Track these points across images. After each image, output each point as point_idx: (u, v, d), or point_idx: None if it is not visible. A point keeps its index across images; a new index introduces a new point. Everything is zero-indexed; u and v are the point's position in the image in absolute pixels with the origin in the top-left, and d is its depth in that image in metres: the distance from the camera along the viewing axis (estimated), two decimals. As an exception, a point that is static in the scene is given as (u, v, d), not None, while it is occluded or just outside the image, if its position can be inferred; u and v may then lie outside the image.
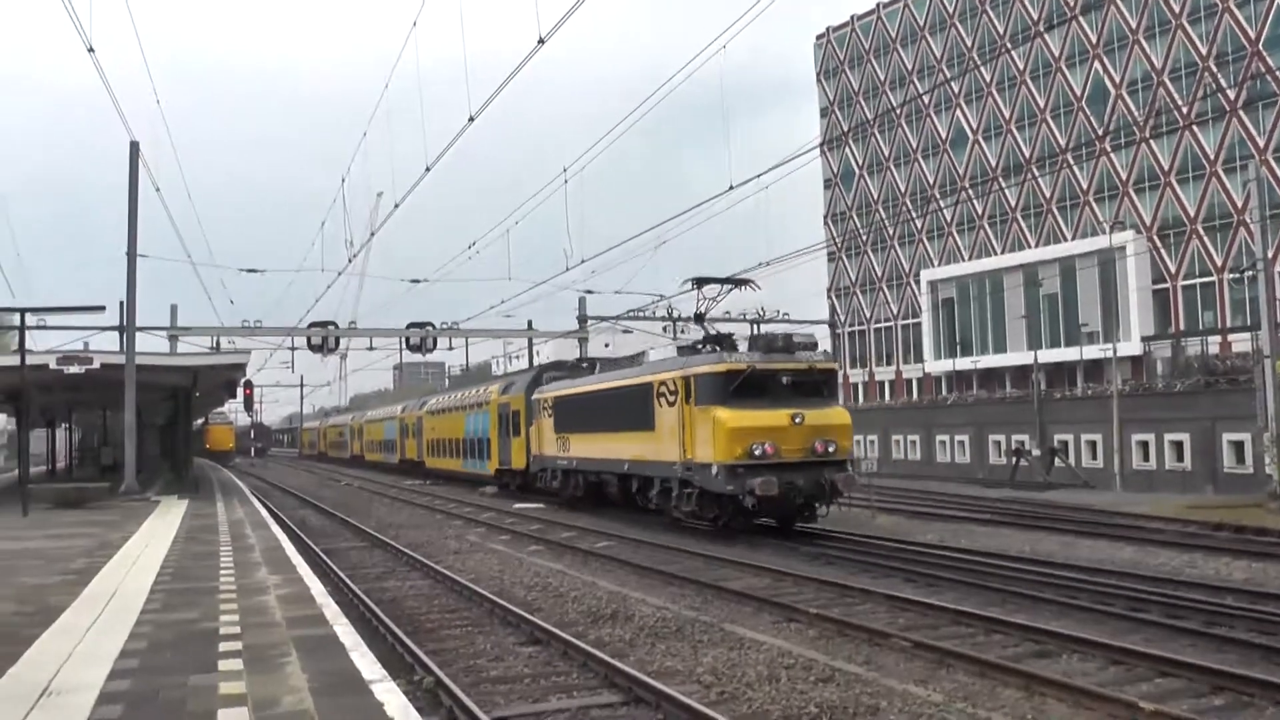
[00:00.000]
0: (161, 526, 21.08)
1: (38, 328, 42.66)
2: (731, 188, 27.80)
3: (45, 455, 65.80)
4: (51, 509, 26.24)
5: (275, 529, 20.98)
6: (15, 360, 28.51)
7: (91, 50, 22.75)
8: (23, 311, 27.82)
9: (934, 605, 15.28)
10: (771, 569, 19.46)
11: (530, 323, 57.29)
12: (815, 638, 13.80)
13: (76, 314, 37.14)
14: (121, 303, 35.51)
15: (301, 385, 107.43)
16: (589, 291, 51.81)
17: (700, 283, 27.00)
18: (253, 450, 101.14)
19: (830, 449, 24.28)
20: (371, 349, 53.69)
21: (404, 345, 53.14)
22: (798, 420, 23.91)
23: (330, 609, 10.86)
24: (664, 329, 53.33)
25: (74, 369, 29.38)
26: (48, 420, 59.15)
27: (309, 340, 51.40)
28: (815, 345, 25.89)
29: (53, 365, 29.33)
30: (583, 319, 54.42)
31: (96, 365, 29.65)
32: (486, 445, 45.20)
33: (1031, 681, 11.16)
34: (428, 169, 28.34)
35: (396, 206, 32.59)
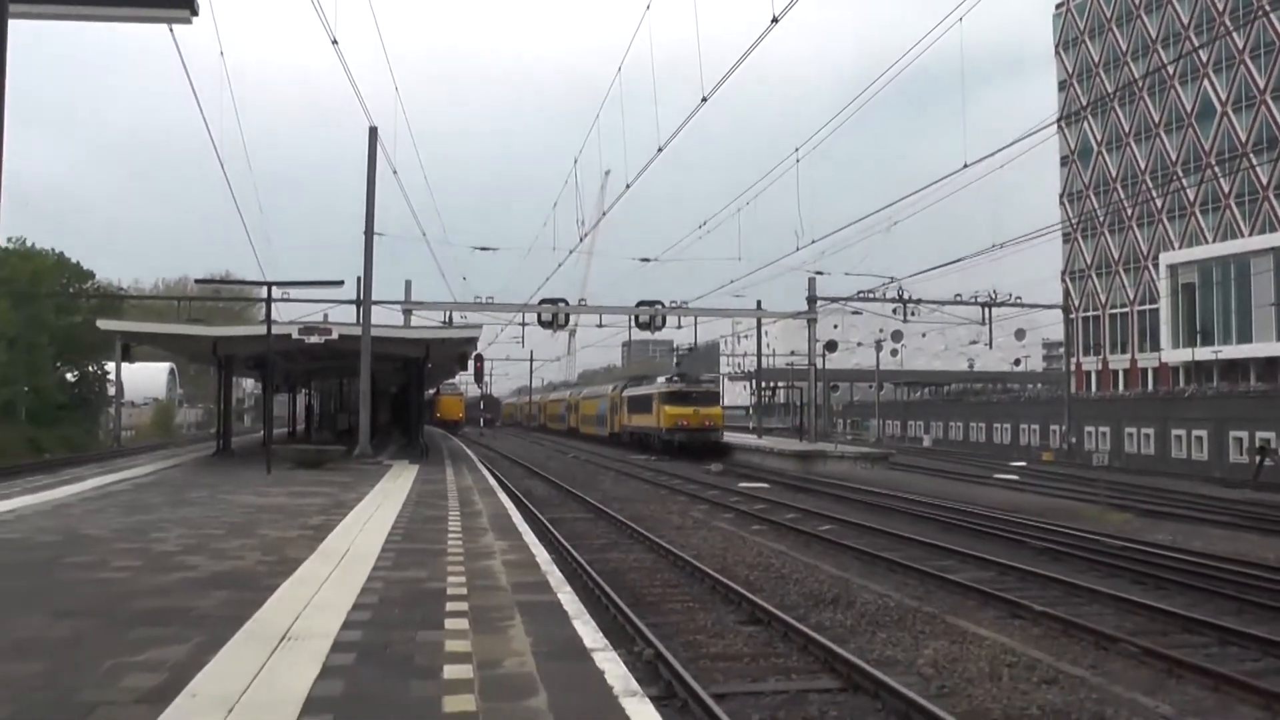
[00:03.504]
0: (393, 489, 21.74)
1: (282, 300, 44.99)
2: (966, 165, 26.90)
3: (287, 418, 69.37)
4: (292, 468, 27.35)
5: (502, 496, 21.40)
6: (261, 330, 29.78)
7: (335, 42, 23.69)
8: (269, 285, 29.08)
9: (1164, 610, 14.50)
10: (997, 561, 18.89)
11: (759, 303, 57.45)
12: (1039, 636, 13.30)
13: (318, 288, 39.03)
14: (359, 278, 36.95)
15: (531, 360, 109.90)
16: (819, 273, 51.19)
17: (676, 350, 47.68)
18: (481, 421, 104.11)
19: (709, 424, 54.90)
20: (601, 326, 55.19)
21: (633, 323, 54.09)
22: (696, 411, 54.12)
23: (554, 576, 10.95)
24: (894, 311, 52.27)
25: (314, 339, 30.59)
26: (290, 386, 62.26)
27: (539, 316, 52.89)
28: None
29: (295, 335, 30.54)
30: (812, 300, 53.90)
31: (335, 336, 30.80)
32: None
33: (1272, 701, 10.34)
34: (659, 150, 28.43)
35: (628, 187, 32.73)
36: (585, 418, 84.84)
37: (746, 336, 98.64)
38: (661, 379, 63.67)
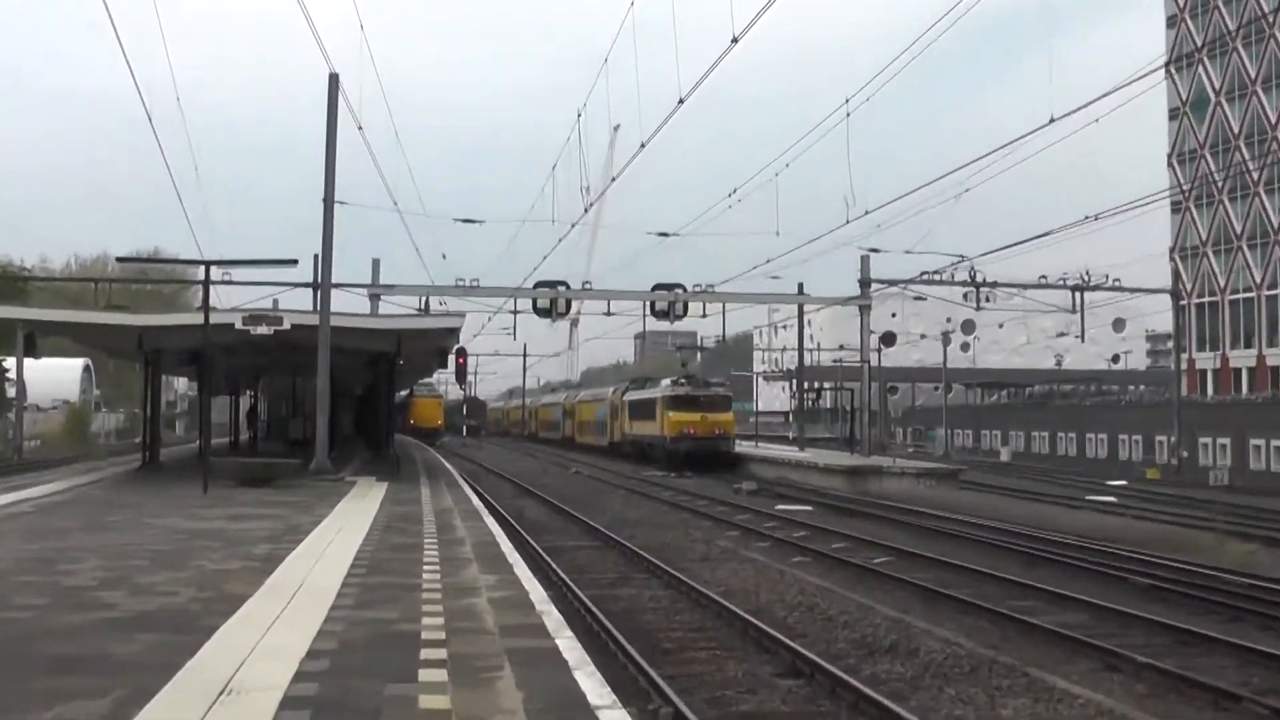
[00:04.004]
0: (356, 512, 21.79)
1: (223, 283, 44.67)
2: (1053, 120, 26.79)
3: (228, 426, 69.60)
4: (234, 486, 27.36)
5: (489, 520, 21.50)
6: (198, 319, 29.60)
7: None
8: (207, 264, 29.00)
9: (1300, 662, 14.39)
10: (1090, 601, 18.88)
11: (800, 286, 57.67)
12: (1144, 694, 13.28)
13: (266, 268, 38.83)
14: (316, 256, 36.89)
15: (525, 355, 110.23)
16: (873, 250, 51.17)
17: (681, 348, 64.94)
18: (464, 428, 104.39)
19: (719, 432, 59.78)
20: (609, 314, 54.87)
21: (647, 310, 54.24)
22: (703, 418, 59.07)
23: (552, 618, 10.94)
24: (964, 296, 52.09)
25: (261, 330, 30.25)
26: (232, 387, 62.31)
27: (534, 302, 52.96)
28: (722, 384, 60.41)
29: (238, 325, 30.29)
30: (865, 283, 53.95)
31: (286, 326, 30.55)
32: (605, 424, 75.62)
33: None
34: (681, 101, 28.37)
35: (643, 147, 32.67)
36: (583, 425, 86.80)
37: (786, 327, 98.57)
38: (666, 381, 66.92)
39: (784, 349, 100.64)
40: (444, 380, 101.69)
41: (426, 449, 68.67)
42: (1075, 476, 62.72)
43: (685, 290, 53.39)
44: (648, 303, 54.14)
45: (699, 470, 55.14)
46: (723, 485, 47.69)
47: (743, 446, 65.90)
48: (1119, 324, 78.55)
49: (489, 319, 63.01)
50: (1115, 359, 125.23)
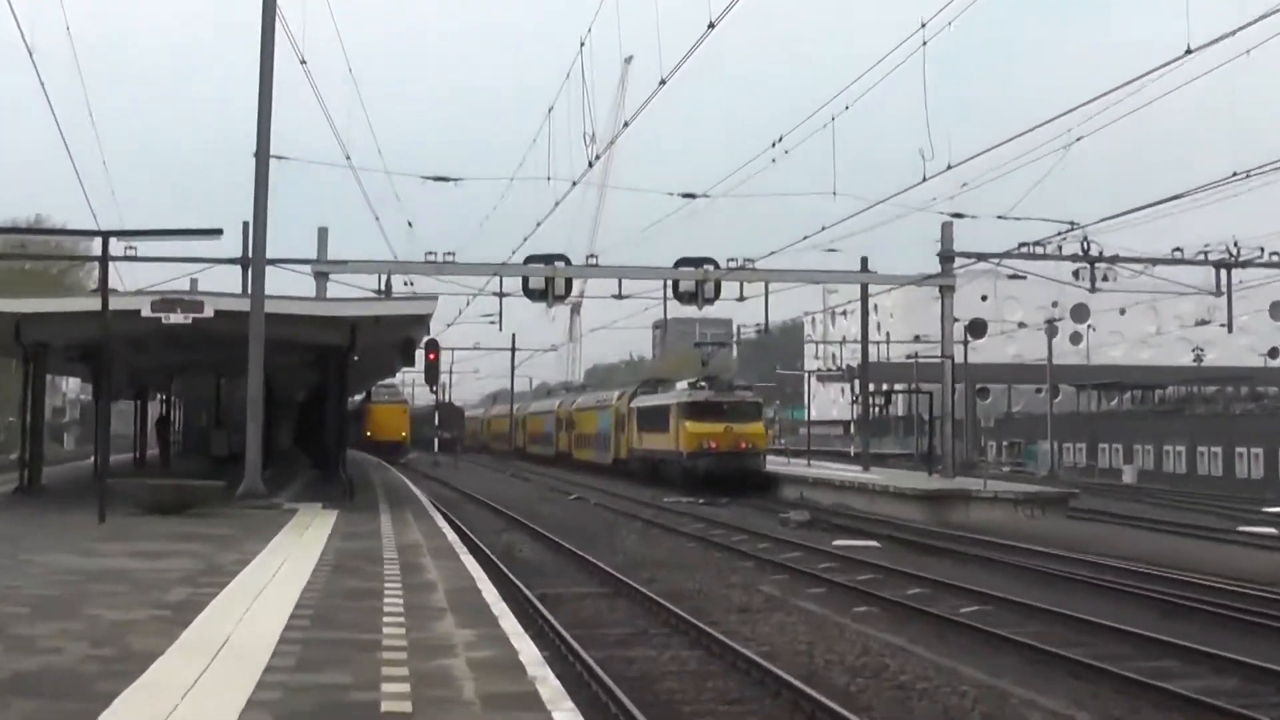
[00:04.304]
0: (298, 548, 21.74)
1: (128, 259, 45.50)
2: (1189, 52, 26.53)
3: (132, 439, 69.29)
4: (139, 515, 27.35)
5: (467, 560, 21.44)
6: (94, 304, 29.54)
7: None
8: (105, 235, 28.71)
9: None
10: (1244, 662, 18.74)
11: (865, 262, 57.66)
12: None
13: (182, 239, 38.79)
14: (247, 225, 36.84)
15: (513, 349, 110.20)
16: (957, 215, 50.51)
17: (700, 345, 68.76)
18: (436, 442, 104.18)
19: (746, 446, 61.93)
20: (620, 297, 55.13)
21: (669, 291, 54.38)
22: (727, 430, 61.52)
23: (548, 685, 10.86)
24: (1075, 274, 51.74)
25: (176, 319, 30.28)
26: (138, 391, 62.12)
27: (525, 282, 53.16)
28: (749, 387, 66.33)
29: (145, 312, 30.26)
30: (947, 256, 53.90)
31: (208, 314, 30.52)
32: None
33: None
34: (711, 25, 28.12)
35: (663, 83, 32.37)
36: (582, 438, 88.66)
37: (846, 313, 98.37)
38: (682, 384, 69.04)
39: (843, 341, 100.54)
40: (410, 382, 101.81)
41: (388, 468, 68.85)
42: (1222, 502, 62.21)
43: (717, 267, 53.56)
44: (669, 282, 54.22)
45: (721, 493, 55.83)
46: (766, 515, 47.85)
47: (791, 466, 66.16)
48: (1278, 309, 77.96)
49: (468, 303, 62.92)
50: (1273, 353, 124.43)
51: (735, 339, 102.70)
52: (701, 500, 55.23)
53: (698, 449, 60.78)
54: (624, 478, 70.72)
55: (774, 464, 69.05)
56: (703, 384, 65.32)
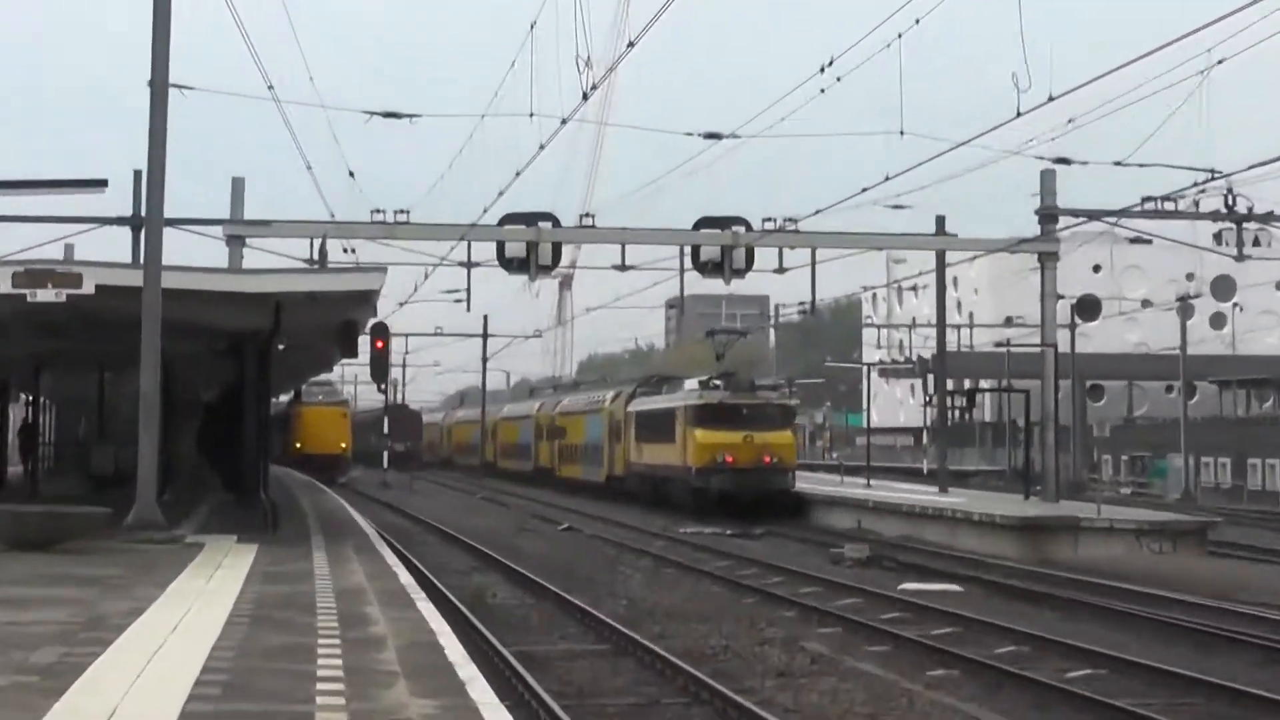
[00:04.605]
0: (206, 593, 21.60)
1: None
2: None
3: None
4: (1, 551, 27.36)
5: (426, 609, 21.37)
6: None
7: None
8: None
9: None
10: None
11: (941, 222, 57.55)
12: None
13: (54, 192, 38.62)
14: (139, 174, 36.65)
15: (485, 336, 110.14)
16: (1060, 161, 50.11)
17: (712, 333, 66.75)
18: (385, 456, 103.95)
19: (772, 460, 62.18)
20: (624, 268, 55.14)
21: (687, 260, 54.49)
22: (748, 439, 62.14)
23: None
24: (1217, 238, 51.37)
25: (45, 295, 30.45)
26: (-3, 386, 62.38)
27: (500, 249, 53.03)
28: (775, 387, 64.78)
29: (5, 288, 30.52)
30: (1048, 214, 53.98)
31: (87, 289, 30.67)
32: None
33: None
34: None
35: (675, -9, 32.14)
36: (567, 450, 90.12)
37: (917, 289, 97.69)
38: (691, 383, 70.04)
39: (913, 325, 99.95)
40: (353, 378, 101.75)
41: (323, 490, 68.54)
42: None
43: (749, 229, 53.34)
44: (687, 249, 54.15)
45: (750, 520, 56.38)
46: (813, 551, 47.91)
47: (845, 487, 66.61)
48: None
49: (426, 276, 64.07)
50: None
51: (772, 322, 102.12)
52: (729, 531, 55.39)
53: (709, 463, 61.42)
54: (621, 499, 71.91)
55: (822, 484, 69.97)
56: (716, 382, 65.68)
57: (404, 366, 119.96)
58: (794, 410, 70.10)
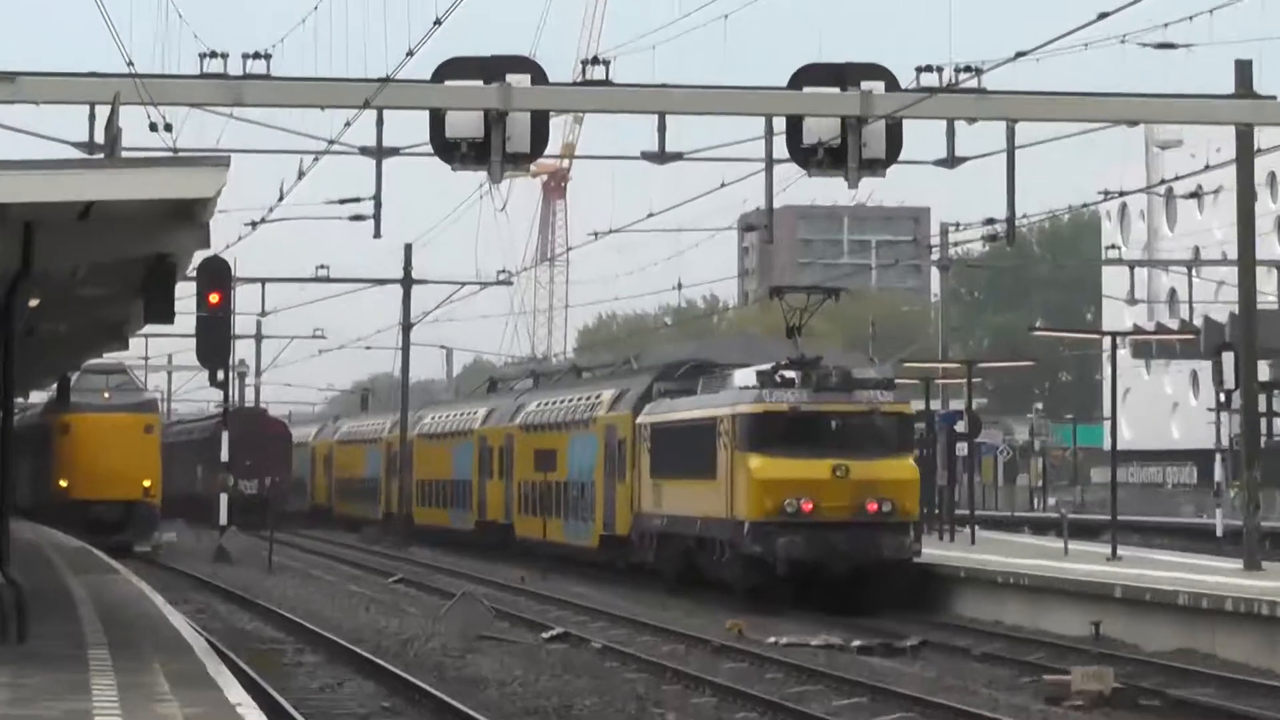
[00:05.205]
0: None
1: None
2: None
3: None
4: None
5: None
6: None
7: None
8: None
9: None
10: None
11: (1244, 70, 47.58)
12: None
13: None
14: None
15: (407, 283, 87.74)
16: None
17: (778, 292, 56.25)
18: (224, 501, 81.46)
19: (877, 509, 50.03)
20: (660, 157, 41.69)
21: (778, 147, 40.80)
22: (840, 473, 49.78)
23: None
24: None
25: None
26: None
27: (436, 125, 39.03)
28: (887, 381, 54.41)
29: None
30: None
31: None
32: None
33: None
34: None
35: None
36: (532, 495, 74.60)
37: (1200, 196, 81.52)
38: (746, 373, 54.15)
39: (1195, 261, 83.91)
40: (165, 360, 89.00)
41: (111, 566, 53.97)
42: None
43: (893, 86, 38.48)
44: (779, 124, 39.68)
45: (853, 608, 46.90)
46: (1005, 676, 36.86)
47: (1070, 560, 52.64)
48: None
49: (300, 175, 47.98)
50: None
51: (938, 257, 77.89)
52: (857, 643, 41.70)
53: (775, 514, 47.69)
54: (627, 577, 60.11)
55: (1018, 553, 57.24)
56: (788, 373, 49.73)
57: (258, 339, 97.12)
58: (912, 421, 56.03)
